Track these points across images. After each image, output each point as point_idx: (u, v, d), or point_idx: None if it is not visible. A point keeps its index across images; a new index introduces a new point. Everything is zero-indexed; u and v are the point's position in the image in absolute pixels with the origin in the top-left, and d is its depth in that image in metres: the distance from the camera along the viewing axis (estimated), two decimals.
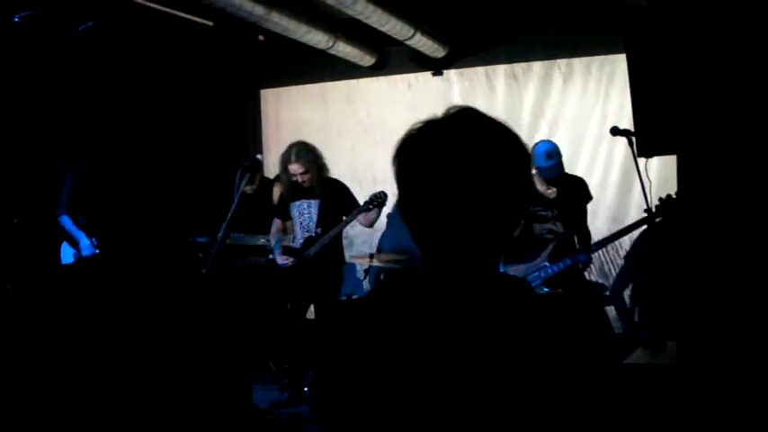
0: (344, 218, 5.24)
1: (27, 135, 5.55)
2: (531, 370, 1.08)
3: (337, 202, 5.29)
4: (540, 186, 4.74)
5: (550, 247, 4.58)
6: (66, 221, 5.37)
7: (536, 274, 4.60)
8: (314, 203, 5.28)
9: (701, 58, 2.70)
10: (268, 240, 5.65)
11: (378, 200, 5.12)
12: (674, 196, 4.12)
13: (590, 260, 4.64)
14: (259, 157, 5.01)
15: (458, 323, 1.12)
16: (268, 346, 5.69)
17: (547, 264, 4.58)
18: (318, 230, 5.24)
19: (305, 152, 5.20)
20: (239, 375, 1.45)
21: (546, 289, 4.58)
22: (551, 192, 4.74)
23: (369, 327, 1.17)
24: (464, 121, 1.20)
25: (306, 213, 5.32)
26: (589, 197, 4.86)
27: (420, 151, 1.18)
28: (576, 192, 4.79)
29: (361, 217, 5.17)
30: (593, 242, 4.69)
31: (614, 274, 5.66)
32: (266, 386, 5.49)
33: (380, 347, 1.14)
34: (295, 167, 5.15)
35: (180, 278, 1.42)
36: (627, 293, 5.00)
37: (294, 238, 5.47)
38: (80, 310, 1.36)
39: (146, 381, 1.36)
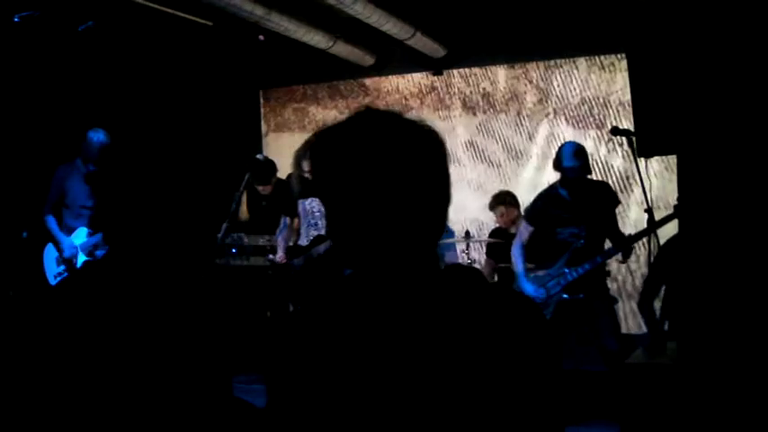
0: None
1: (27, 135, 5.55)
2: (474, 365, 1.09)
3: None
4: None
5: (568, 252, 4.54)
6: (51, 222, 5.36)
7: (555, 281, 4.55)
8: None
9: (702, 58, 2.69)
10: (268, 240, 5.65)
11: None
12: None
13: (625, 252, 4.54)
14: (259, 156, 5.01)
15: (405, 323, 1.12)
16: (260, 345, 5.68)
17: (566, 270, 4.53)
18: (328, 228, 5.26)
19: None
20: (220, 375, 1.44)
21: (566, 296, 4.54)
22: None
23: (322, 336, 1.16)
24: (371, 122, 1.19)
25: (316, 211, 5.33)
26: (617, 201, 4.82)
27: (334, 160, 1.17)
28: (601, 197, 4.74)
29: None
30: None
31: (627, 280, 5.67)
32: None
33: (335, 355, 1.13)
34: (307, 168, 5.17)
35: (190, 278, 1.42)
36: (656, 302, 4.95)
37: (299, 235, 5.46)
38: (84, 312, 1.36)
39: (144, 379, 1.36)
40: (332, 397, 1.12)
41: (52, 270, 5.39)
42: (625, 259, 4.59)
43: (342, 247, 1.20)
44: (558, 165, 4.61)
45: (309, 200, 5.33)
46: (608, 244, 4.71)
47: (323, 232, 5.28)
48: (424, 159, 1.16)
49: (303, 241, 5.39)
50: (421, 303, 1.14)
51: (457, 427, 1.08)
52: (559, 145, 4.81)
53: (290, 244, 5.56)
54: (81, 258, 5.29)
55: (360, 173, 1.14)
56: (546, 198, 4.78)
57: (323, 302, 1.21)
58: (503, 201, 5.71)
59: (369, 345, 1.13)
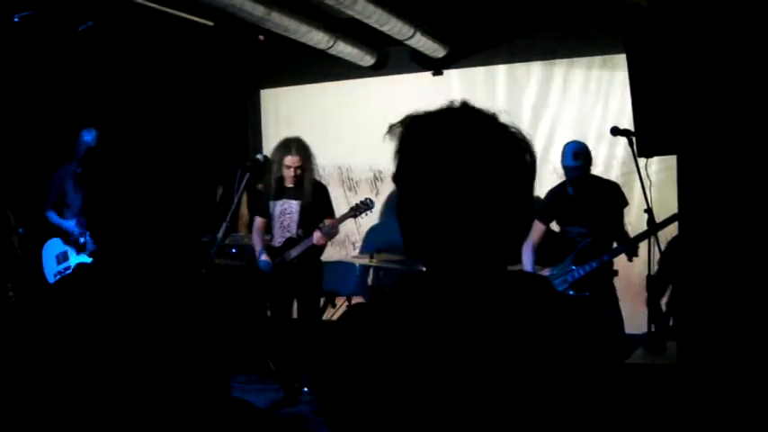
0: (325, 223, 5.24)
1: (27, 135, 5.54)
2: (540, 371, 1.08)
3: (320, 205, 5.29)
4: None
5: (576, 250, 4.57)
6: (52, 215, 5.36)
7: (562, 278, 4.58)
8: (295, 204, 5.26)
9: (702, 59, 2.69)
10: (269, 240, 5.64)
11: (365, 206, 5.19)
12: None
13: (631, 250, 4.56)
14: (259, 157, 5.01)
15: (471, 325, 1.11)
16: (258, 346, 5.68)
17: (573, 267, 4.57)
18: (300, 232, 5.23)
19: (304, 147, 5.22)
20: (220, 375, 1.44)
21: (572, 292, 4.57)
22: None
23: (383, 330, 1.14)
24: (470, 118, 1.17)
25: (288, 213, 5.30)
26: (624, 202, 4.84)
27: (426, 150, 1.14)
28: (608, 197, 4.76)
29: (318, 235, 5.14)
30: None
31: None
32: (266, 386, 5.49)
33: (394, 351, 1.12)
34: (295, 160, 5.14)
35: (182, 279, 1.41)
36: (663, 300, 4.96)
37: (272, 237, 5.43)
38: (79, 314, 1.36)
39: (142, 381, 1.36)
40: (391, 396, 1.11)
41: (52, 269, 5.39)
42: (631, 258, 4.61)
43: (414, 240, 1.17)
44: (561, 163, 4.66)
45: (282, 201, 5.30)
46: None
47: (295, 235, 5.25)
48: (516, 166, 1.14)
49: (276, 242, 5.36)
50: (489, 307, 1.12)
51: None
52: (563, 144, 4.84)
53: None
54: (83, 258, 5.29)
55: (447, 168, 1.11)
56: (554, 196, 4.82)
57: (388, 300, 1.19)
58: None
59: (433, 346, 1.11)
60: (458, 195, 1.11)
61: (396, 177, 1.18)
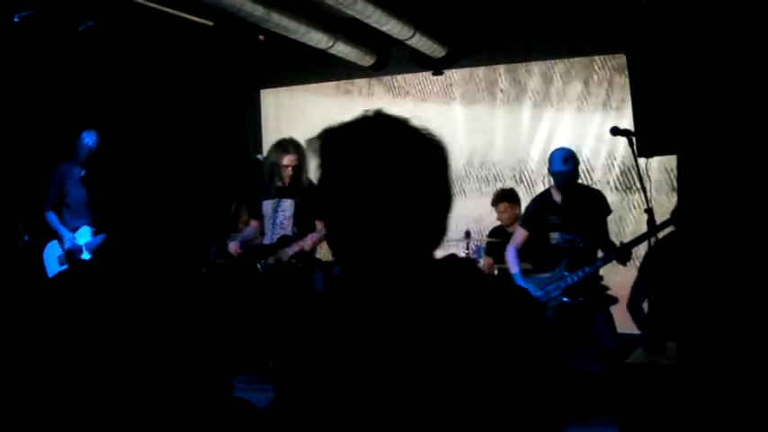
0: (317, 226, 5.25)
1: (27, 135, 5.54)
2: (469, 356, 1.12)
3: (312, 205, 5.29)
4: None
5: (569, 257, 4.57)
6: (52, 217, 5.34)
7: (556, 284, 4.58)
8: (289, 203, 5.26)
9: (701, 59, 2.69)
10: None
11: None
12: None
13: (624, 256, 4.56)
14: (259, 157, 5.01)
15: (403, 314, 1.16)
16: (258, 346, 5.68)
17: (566, 273, 4.56)
18: (295, 230, 5.23)
19: (301, 147, 5.23)
20: (220, 374, 1.46)
21: (566, 299, 4.56)
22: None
23: (323, 326, 1.20)
24: (381, 125, 1.23)
25: (282, 211, 5.30)
26: (608, 211, 4.84)
27: (342, 159, 1.21)
28: (594, 204, 4.76)
29: (312, 238, 5.15)
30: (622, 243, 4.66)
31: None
32: (266, 386, 5.48)
33: (334, 345, 1.17)
34: (293, 159, 5.14)
35: (181, 279, 1.42)
36: (645, 301, 4.96)
37: (264, 235, 5.42)
38: (76, 311, 1.37)
39: (140, 380, 1.36)
40: (333, 393, 1.15)
41: (54, 270, 5.38)
42: (624, 263, 4.61)
43: (338, 244, 1.23)
44: (549, 169, 4.66)
45: (276, 200, 5.28)
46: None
47: (290, 232, 5.25)
48: (426, 168, 1.20)
49: (269, 240, 5.35)
50: (415, 299, 1.17)
51: (455, 422, 1.10)
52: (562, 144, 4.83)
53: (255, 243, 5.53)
54: (86, 257, 5.28)
55: (363, 175, 1.17)
56: (540, 202, 4.82)
57: (318, 302, 1.26)
58: (506, 197, 5.73)
59: (363, 343, 1.15)
60: (376, 197, 1.17)
61: (318, 188, 1.24)
